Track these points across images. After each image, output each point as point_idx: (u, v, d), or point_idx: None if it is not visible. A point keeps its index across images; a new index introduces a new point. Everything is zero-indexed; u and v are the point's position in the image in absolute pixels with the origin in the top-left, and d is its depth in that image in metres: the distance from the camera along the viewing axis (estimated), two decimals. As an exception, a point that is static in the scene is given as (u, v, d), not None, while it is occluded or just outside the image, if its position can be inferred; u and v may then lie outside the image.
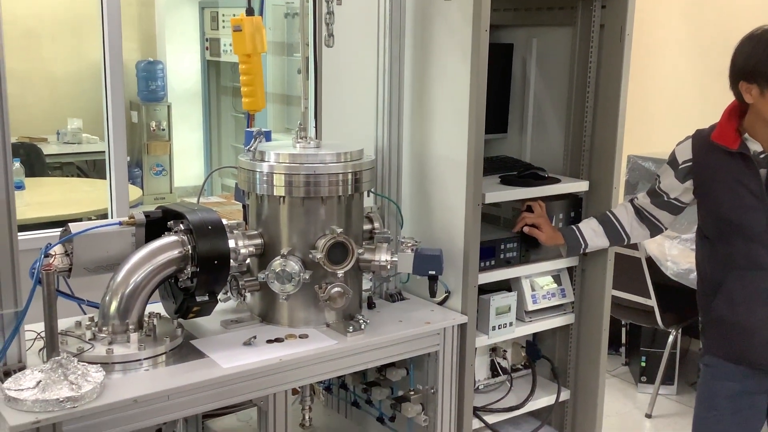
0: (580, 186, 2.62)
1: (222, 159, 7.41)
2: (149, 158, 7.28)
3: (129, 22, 7.08)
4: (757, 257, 2.10)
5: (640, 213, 2.42)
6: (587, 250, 2.51)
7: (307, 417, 2.34)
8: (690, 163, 2.22)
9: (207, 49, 7.00)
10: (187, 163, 7.51)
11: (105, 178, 3.54)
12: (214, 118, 7.46)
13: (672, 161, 2.27)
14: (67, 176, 6.58)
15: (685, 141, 2.26)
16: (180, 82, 7.46)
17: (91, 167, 6.66)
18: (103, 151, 3.49)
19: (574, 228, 2.49)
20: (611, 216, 2.46)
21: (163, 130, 7.26)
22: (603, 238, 2.46)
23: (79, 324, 2.02)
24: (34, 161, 6.02)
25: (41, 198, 4.79)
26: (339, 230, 2.10)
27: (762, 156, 2.08)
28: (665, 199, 2.33)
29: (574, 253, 2.55)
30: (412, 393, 2.32)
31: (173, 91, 7.36)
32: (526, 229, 2.47)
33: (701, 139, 2.20)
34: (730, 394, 2.22)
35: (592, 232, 2.46)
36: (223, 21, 6.79)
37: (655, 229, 2.43)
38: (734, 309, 2.16)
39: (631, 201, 2.45)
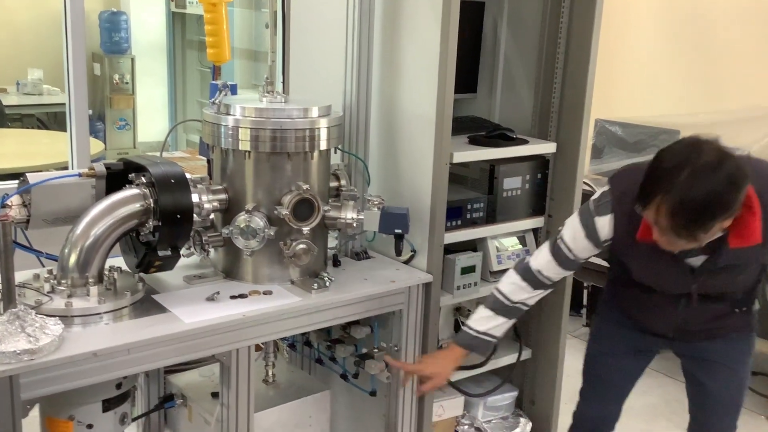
0: (548, 147, 2.62)
1: (187, 114, 7.28)
2: (112, 112, 7.13)
3: (92, -30, 6.88)
4: (671, 296, 2.03)
5: (536, 281, 2.08)
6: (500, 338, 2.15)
7: (270, 373, 2.34)
8: (610, 242, 1.97)
9: (172, 1, 6.82)
10: (151, 118, 7.37)
11: (66, 130, 3.45)
12: (179, 72, 7.30)
13: (592, 236, 1.97)
14: (28, 128, 6.42)
15: (605, 216, 1.94)
16: (144, 34, 7.27)
17: (52, 119, 6.50)
18: (64, 103, 3.39)
19: (468, 331, 2.11)
20: (503, 298, 2.10)
21: (127, 83, 7.10)
22: (507, 324, 2.10)
23: (37, 277, 1.97)
24: (-6, 112, 5.86)
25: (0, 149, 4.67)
26: (305, 186, 2.07)
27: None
28: (571, 259, 2.03)
29: (489, 352, 2.30)
30: (376, 350, 2.32)
31: (137, 44, 7.18)
32: (426, 388, 2.18)
33: (624, 218, 1.90)
34: (629, 340, 2.22)
35: (484, 321, 2.10)
36: (188, -29, 6.62)
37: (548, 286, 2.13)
38: (639, 312, 2.15)
39: (526, 268, 2.09)
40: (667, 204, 1.66)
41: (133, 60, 7.07)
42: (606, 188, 1.97)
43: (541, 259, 2.07)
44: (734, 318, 2.08)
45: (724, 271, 1.92)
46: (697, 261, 1.90)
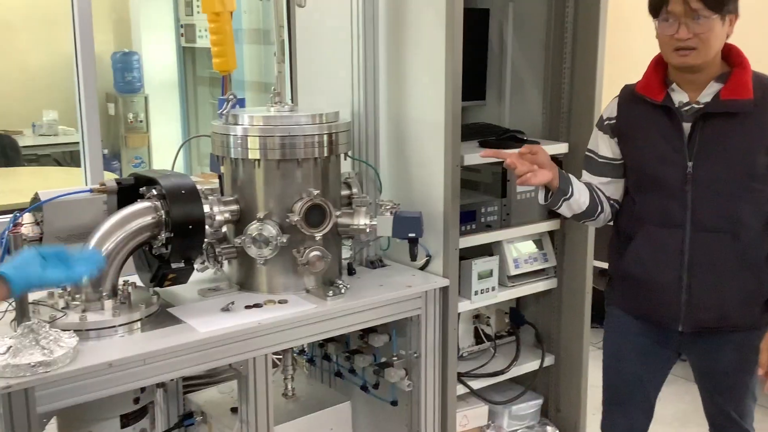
0: (560, 148, 2.60)
1: (201, 149, 7.32)
2: (128, 151, 7.19)
3: (103, 12, 7.00)
4: (671, 213, 2.00)
5: (589, 185, 2.16)
6: (563, 207, 2.11)
7: (289, 387, 2.31)
8: (614, 121, 2.10)
9: (182, 35, 6.91)
10: (166, 155, 7.42)
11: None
12: (192, 107, 7.37)
13: (599, 121, 2.17)
14: (44, 168, 6.50)
15: (612, 100, 2.15)
16: (156, 72, 7.36)
17: (68, 158, 6.58)
18: (79, 142, 3.45)
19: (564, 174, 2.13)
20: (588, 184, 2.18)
21: (141, 121, 7.17)
22: (586, 195, 2.12)
23: (51, 294, 1.97)
24: (10, 153, 5.95)
25: (14, 185, 4.72)
26: (316, 192, 2.06)
27: (686, 108, 1.98)
28: (598, 161, 2.14)
29: (554, 201, 2.11)
30: (395, 358, 2.29)
31: (150, 82, 7.26)
32: (533, 179, 2.03)
33: (627, 94, 2.11)
34: (638, 346, 2.17)
35: (579, 186, 2.13)
36: (198, 5, 6.69)
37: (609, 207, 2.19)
38: (642, 266, 2.07)
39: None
40: None
41: (146, 98, 7.15)
42: None
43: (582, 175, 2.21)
44: (746, 290, 2.01)
45: (720, 145, 1.96)
46: (690, 120, 1.98)
